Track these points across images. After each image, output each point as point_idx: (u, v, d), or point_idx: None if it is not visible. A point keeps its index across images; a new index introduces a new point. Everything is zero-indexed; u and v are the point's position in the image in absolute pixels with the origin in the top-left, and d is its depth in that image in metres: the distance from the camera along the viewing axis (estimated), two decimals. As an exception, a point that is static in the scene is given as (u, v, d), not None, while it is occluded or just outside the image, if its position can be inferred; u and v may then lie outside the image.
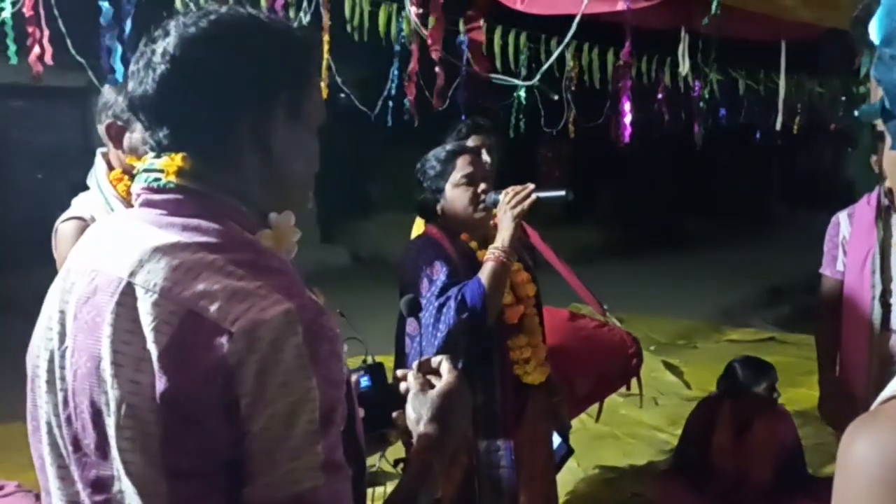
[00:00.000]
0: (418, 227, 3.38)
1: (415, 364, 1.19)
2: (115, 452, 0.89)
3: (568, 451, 2.57)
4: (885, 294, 2.64)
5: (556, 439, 2.53)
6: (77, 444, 0.94)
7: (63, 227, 2.03)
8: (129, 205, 2.01)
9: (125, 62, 2.30)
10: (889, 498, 0.52)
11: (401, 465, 1.21)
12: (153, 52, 0.97)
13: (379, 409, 1.16)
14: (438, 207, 2.24)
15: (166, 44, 0.96)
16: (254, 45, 0.98)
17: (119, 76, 2.22)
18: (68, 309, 0.96)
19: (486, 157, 3.05)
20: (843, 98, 8.14)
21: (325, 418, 0.87)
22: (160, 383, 0.85)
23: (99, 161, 2.09)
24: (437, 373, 1.18)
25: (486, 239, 2.22)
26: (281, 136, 1.00)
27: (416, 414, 1.13)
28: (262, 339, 0.85)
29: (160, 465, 0.87)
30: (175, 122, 0.98)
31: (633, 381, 3.26)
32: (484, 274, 2.06)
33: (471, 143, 3.02)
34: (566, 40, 2.59)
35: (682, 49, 4.14)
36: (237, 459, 0.86)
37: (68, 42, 2.80)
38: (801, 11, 3.72)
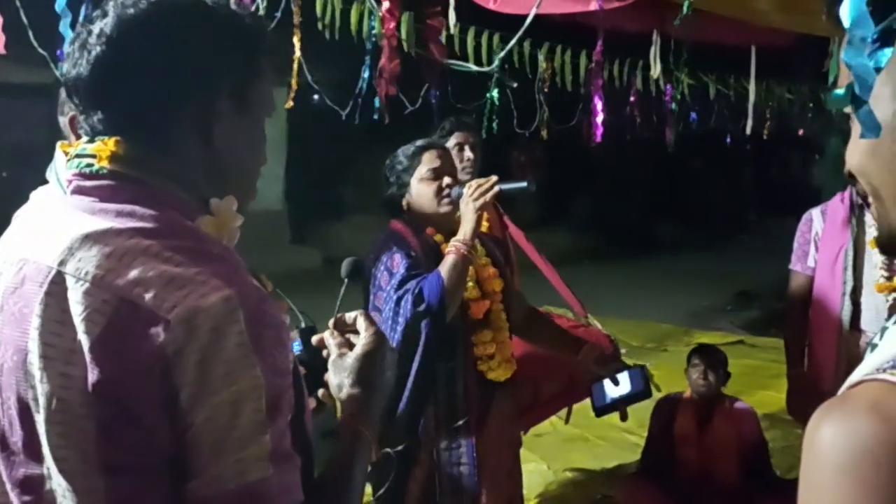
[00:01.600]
0: None
1: (330, 322, 1.15)
2: (45, 450, 0.85)
3: (644, 369, 2.28)
4: (856, 292, 2.67)
5: (622, 375, 2.24)
6: (4, 443, 0.90)
7: (20, 222, 1.98)
8: None
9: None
10: (856, 481, 0.51)
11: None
12: (89, 32, 0.93)
13: (311, 374, 1.12)
14: (404, 202, 2.24)
15: (103, 24, 0.92)
16: (196, 30, 0.94)
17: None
18: None
19: (468, 153, 3.05)
20: (812, 104, 8.27)
21: (271, 407, 0.84)
22: (93, 375, 0.81)
23: (59, 154, 2.03)
24: (355, 330, 1.14)
25: (453, 233, 2.21)
26: (223, 125, 0.96)
27: (338, 380, 1.09)
28: (201, 326, 0.81)
29: (95, 461, 0.83)
30: (110, 107, 0.94)
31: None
32: (444, 267, 2.04)
33: (453, 139, 3.01)
34: (523, 27, 2.58)
35: (654, 52, 4.16)
36: (178, 454, 0.83)
37: (31, 35, 2.74)
38: (771, 16, 3.76)
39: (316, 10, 3.81)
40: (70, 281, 0.85)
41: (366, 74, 4.05)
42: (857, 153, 0.68)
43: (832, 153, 9.91)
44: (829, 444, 0.53)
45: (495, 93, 4.49)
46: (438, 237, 2.20)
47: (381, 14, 3.04)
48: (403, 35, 3.53)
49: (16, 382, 0.87)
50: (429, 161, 2.21)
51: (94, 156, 0.93)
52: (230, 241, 0.98)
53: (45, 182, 2.07)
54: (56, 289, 0.85)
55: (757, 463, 3.23)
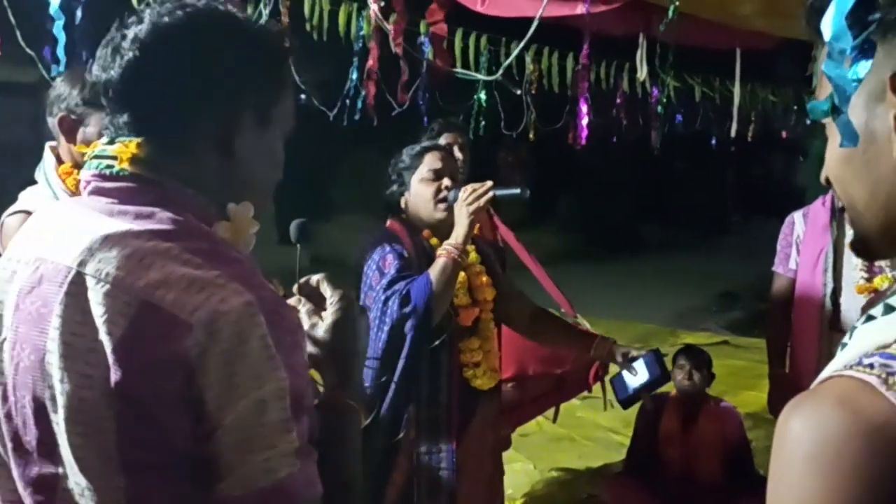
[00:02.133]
0: None
1: (294, 287, 1.14)
2: (65, 448, 0.85)
3: (658, 354, 2.24)
4: (836, 293, 2.70)
5: (639, 363, 2.21)
6: (17, 442, 0.90)
7: (9, 221, 1.97)
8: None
9: (70, 53, 2.24)
10: (822, 470, 0.53)
11: None
12: (123, 37, 0.94)
13: None
14: (403, 201, 2.24)
15: (138, 30, 0.94)
16: (228, 43, 0.96)
17: (63, 67, 2.17)
18: (7, 299, 0.92)
19: (457, 153, 3.06)
20: (796, 107, 8.35)
21: (295, 406, 0.87)
22: (115, 376, 0.82)
23: (48, 154, 2.04)
24: (321, 294, 1.12)
25: (448, 237, 2.21)
26: (246, 138, 0.98)
27: (314, 352, 1.07)
28: (223, 330, 0.83)
29: (115, 459, 0.84)
30: (137, 110, 0.95)
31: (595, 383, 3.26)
32: (434, 270, 2.03)
33: (442, 141, 3.03)
34: (526, 38, 2.59)
35: (640, 55, 4.19)
36: (204, 455, 0.84)
37: (18, 35, 2.73)
38: (756, 20, 3.79)
39: (304, 11, 3.82)
40: (90, 282, 0.85)
41: (353, 76, 4.05)
42: (832, 161, 0.70)
43: (815, 155, 9.99)
44: (797, 435, 0.55)
45: (483, 94, 4.51)
46: (434, 241, 2.20)
47: (370, 14, 3.04)
48: (390, 37, 3.53)
49: (32, 381, 0.87)
50: (430, 162, 2.21)
51: (114, 157, 0.94)
52: (246, 247, 0.99)
53: (31, 182, 2.07)
54: (76, 289, 0.86)
55: (740, 462, 3.27)
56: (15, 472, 0.91)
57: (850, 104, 0.61)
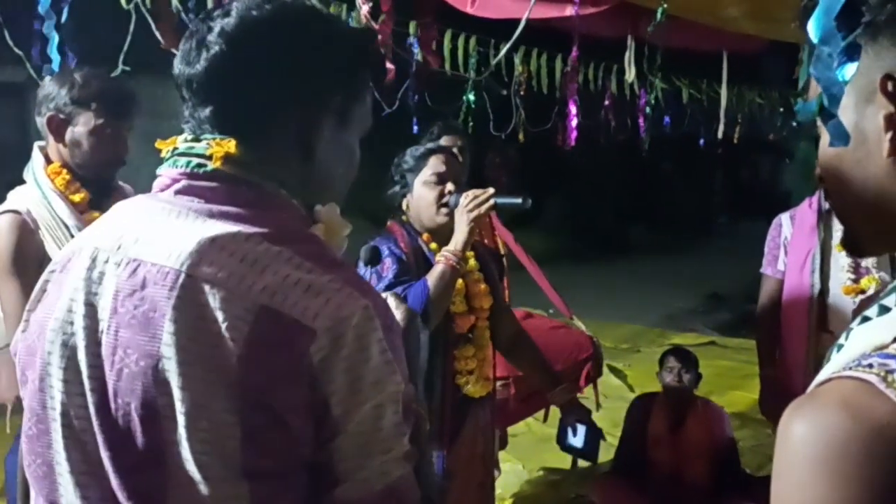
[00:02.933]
0: None
1: None
2: (182, 456, 0.83)
3: (598, 433, 2.42)
4: (824, 294, 2.72)
5: (581, 429, 2.40)
6: (118, 451, 0.86)
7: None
8: (66, 199, 1.97)
9: (62, 52, 2.23)
10: (827, 474, 0.53)
11: None
12: (209, 29, 0.92)
13: None
14: (405, 202, 2.22)
15: (225, 23, 0.91)
16: (317, 41, 0.94)
17: (56, 66, 2.16)
18: (100, 301, 0.88)
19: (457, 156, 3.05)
20: (782, 110, 8.41)
21: (406, 410, 0.88)
22: (240, 381, 0.81)
23: (37, 154, 2.03)
24: None
25: (448, 242, 2.20)
26: (326, 137, 0.96)
27: None
28: (346, 336, 0.83)
29: (238, 466, 0.82)
30: (221, 105, 0.93)
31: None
32: (431, 276, 2.02)
33: (442, 143, 3.01)
34: (513, 38, 2.60)
35: (629, 56, 4.21)
36: (320, 460, 0.84)
37: (6, 34, 2.71)
38: (743, 23, 3.82)
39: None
40: (204, 286, 0.83)
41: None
42: (824, 158, 0.71)
43: (802, 157, 10.07)
44: (801, 438, 0.55)
45: (472, 95, 4.52)
46: (434, 245, 2.17)
47: (362, 16, 3.04)
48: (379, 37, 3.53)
49: (142, 388, 0.84)
50: (434, 165, 2.18)
51: (205, 156, 0.91)
52: (339, 249, 0.99)
53: (18, 182, 2.06)
54: (188, 294, 0.83)
55: (728, 462, 3.29)
56: (115, 482, 0.86)
57: (839, 105, 0.62)
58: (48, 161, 2.01)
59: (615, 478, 3.44)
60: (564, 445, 2.46)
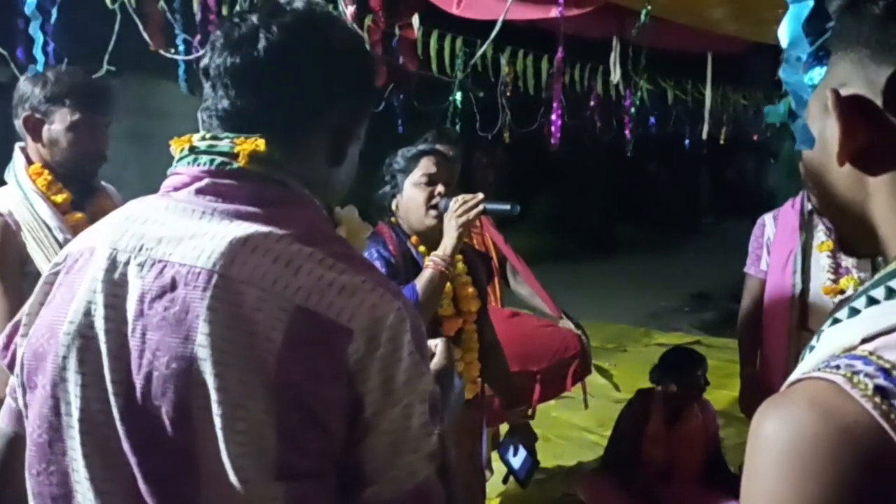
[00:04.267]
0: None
1: None
2: (222, 457, 0.81)
3: (535, 464, 2.58)
4: (805, 294, 2.75)
5: (522, 452, 2.54)
6: (147, 456, 0.84)
7: (-19, 222, 1.94)
8: (47, 200, 1.96)
9: (46, 53, 2.22)
10: (795, 471, 0.55)
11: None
12: (257, 24, 0.92)
13: None
14: (394, 203, 2.20)
15: (278, 22, 0.92)
16: (356, 50, 0.98)
17: (41, 66, 2.15)
18: (124, 305, 0.86)
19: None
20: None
21: (432, 410, 0.88)
22: (279, 382, 0.80)
23: (17, 155, 2.02)
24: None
25: (437, 245, 2.20)
26: (352, 146, 1.00)
27: None
28: (380, 336, 0.83)
29: (273, 468, 0.81)
30: (259, 99, 0.92)
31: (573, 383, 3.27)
32: (420, 281, 2.01)
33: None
34: (491, 36, 2.61)
35: (614, 57, 4.23)
36: (350, 461, 0.84)
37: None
38: (726, 25, 3.85)
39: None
40: (239, 287, 0.82)
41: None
42: (803, 162, 0.73)
43: (786, 157, 10.13)
44: (771, 435, 0.57)
45: (458, 96, 4.53)
46: (422, 248, 2.17)
47: (347, 18, 3.04)
48: (365, 38, 3.53)
49: (174, 391, 0.82)
50: (425, 166, 2.17)
51: (229, 153, 0.90)
52: (360, 251, 1.01)
53: (3, 183, 2.04)
54: (222, 293, 0.82)
55: (716, 456, 3.31)
56: (144, 489, 0.84)
57: (805, 108, 0.63)
58: (29, 162, 2.00)
59: (603, 475, 3.45)
60: (502, 458, 2.59)
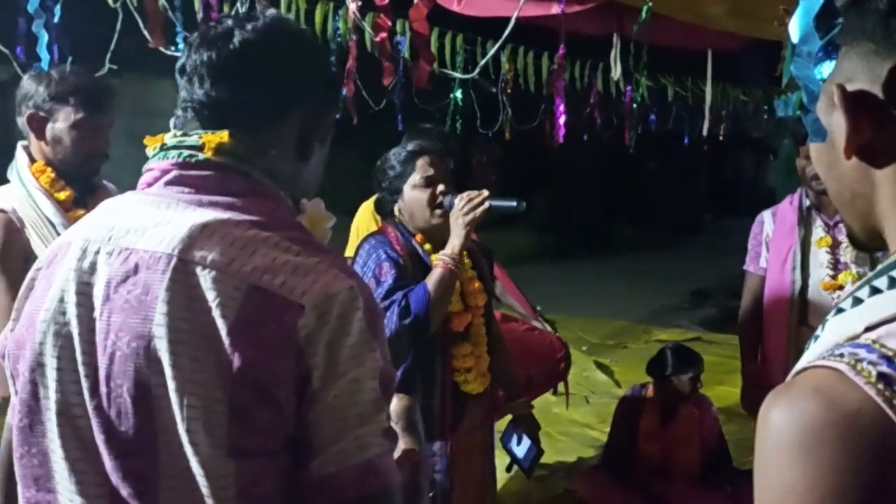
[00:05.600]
0: (362, 216, 3.33)
1: None
2: (179, 433, 0.85)
3: (539, 453, 2.61)
4: (804, 290, 2.76)
5: (526, 442, 2.57)
6: (111, 433, 0.89)
7: (-15, 219, 1.95)
8: (51, 197, 1.97)
9: (51, 51, 2.23)
10: (802, 459, 0.55)
11: None
12: (234, 25, 0.98)
13: None
14: (396, 208, 2.20)
15: (253, 24, 0.98)
16: (320, 53, 1.06)
17: (45, 65, 2.16)
18: (93, 291, 0.91)
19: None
20: (766, 107, 8.47)
21: (385, 389, 0.90)
22: (234, 360, 0.84)
23: (20, 153, 2.03)
24: None
25: (443, 243, 2.18)
26: (318, 143, 1.04)
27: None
28: (330, 312, 0.86)
29: (224, 445, 0.85)
30: (231, 93, 0.97)
31: (561, 384, 3.31)
32: (431, 281, 2.02)
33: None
34: (502, 39, 2.61)
35: (615, 54, 4.23)
36: (298, 435, 0.87)
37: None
38: (726, 22, 3.85)
39: (280, 10, 3.81)
40: (196, 269, 0.87)
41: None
42: (813, 160, 0.74)
43: (785, 154, 10.14)
44: (778, 425, 0.58)
45: (459, 94, 4.53)
46: (427, 246, 2.17)
47: (349, 14, 3.05)
48: (367, 36, 3.54)
49: (134, 370, 0.87)
50: (422, 168, 2.16)
51: (196, 147, 0.95)
52: (323, 241, 1.03)
53: (6, 181, 2.05)
54: (180, 276, 0.87)
55: (716, 453, 3.31)
56: (109, 465, 0.89)
57: (816, 102, 0.63)
58: (32, 160, 2.01)
59: (602, 472, 3.46)
60: (506, 447, 2.60)
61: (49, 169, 1.98)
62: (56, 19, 2.29)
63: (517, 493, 3.77)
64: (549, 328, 3.41)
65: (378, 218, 3.00)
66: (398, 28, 4.13)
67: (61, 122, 1.95)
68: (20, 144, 2.05)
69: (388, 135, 3.50)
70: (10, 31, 2.66)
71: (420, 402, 2.10)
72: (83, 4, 2.52)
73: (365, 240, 2.21)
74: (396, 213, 2.21)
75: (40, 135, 1.97)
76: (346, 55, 3.61)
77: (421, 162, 2.17)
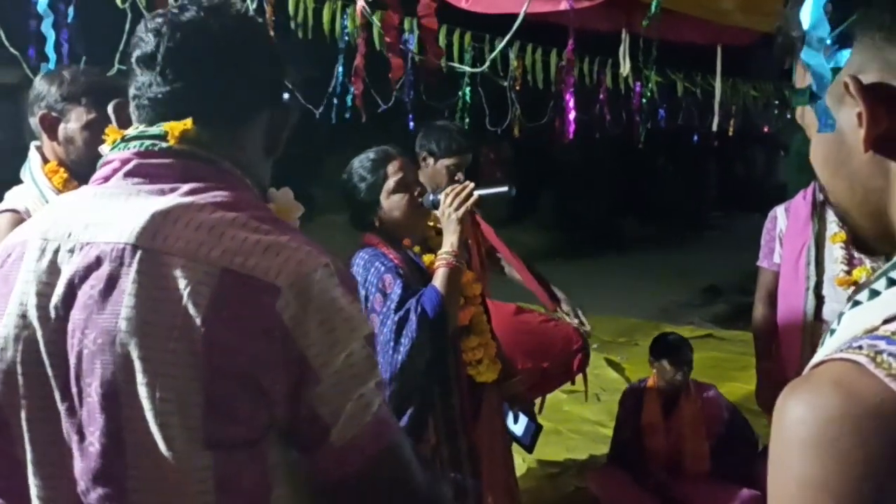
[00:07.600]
0: None
1: None
2: (150, 428, 0.82)
3: (538, 428, 2.64)
4: (819, 286, 2.74)
5: (523, 419, 2.59)
6: (81, 434, 0.86)
7: (-3, 220, 1.96)
8: None
9: (59, 52, 2.24)
10: (821, 452, 0.54)
11: None
12: (192, 12, 0.95)
13: None
14: (375, 219, 2.17)
15: (212, 9, 0.96)
16: (277, 50, 1.04)
17: (52, 65, 2.17)
18: (53, 291, 0.88)
19: (461, 177, 2.74)
20: (777, 102, 8.42)
21: (371, 344, 0.91)
22: (210, 348, 0.81)
23: (33, 154, 2.04)
24: None
25: (426, 241, 2.19)
26: (284, 136, 1.03)
27: None
28: (310, 291, 0.85)
29: (202, 437, 0.83)
30: (195, 83, 0.94)
31: (579, 377, 3.30)
32: (438, 281, 2.02)
33: (451, 160, 2.76)
34: (511, 33, 2.60)
35: (624, 50, 4.22)
36: (304, 413, 0.86)
37: (1, 35, 2.71)
38: (736, 16, 3.84)
39: (289, 9, 3.81)
40: (163, 257, 0.83)
41: (339, 73, 4.05)
42: (815, 163, 0.73)
43: (796, 150, 10.08)
44: (795, 419, 0.56)
45: (467, 91, 4.52)
46: (417, 248, 2.18)
47: (357, 11, 3.04)
48: (375, 34, 3.54)
49: (101, 366, 0.84)
50: (394, 173, 2.13)
51: (158, 136, 0.92)
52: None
53: (14, 183, 2.06)
54: (147, 267, 0.84)
55: (727, 440, 3.29)
56: (79, 467, 0.86)
57: (826, 91, 0.63)
58: (45, 160, 2.02)
59: (613, 469, 3.45)
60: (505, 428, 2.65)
61: (62, 169, 1.99)
62: (69, 19, 2.30)
63: (528, 491, 3.76)
64: (567, 319, 3.38)
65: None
66: (406, 26, 4.13)
67: (73, 122, 1.96)
68: (33, 145, 2.06)
69: (398, 133, 3.51)
70: (21, 34, 2.68)
71: (439, 403, 2.13)
72: (92, 4, 2.53)
73: (357, 256, 2.15)
74: (376, 223, 2.17)
75: (53, 135, 1.98)
76: (353, 53, 3.61)
77: (390, 168, 2.14)
